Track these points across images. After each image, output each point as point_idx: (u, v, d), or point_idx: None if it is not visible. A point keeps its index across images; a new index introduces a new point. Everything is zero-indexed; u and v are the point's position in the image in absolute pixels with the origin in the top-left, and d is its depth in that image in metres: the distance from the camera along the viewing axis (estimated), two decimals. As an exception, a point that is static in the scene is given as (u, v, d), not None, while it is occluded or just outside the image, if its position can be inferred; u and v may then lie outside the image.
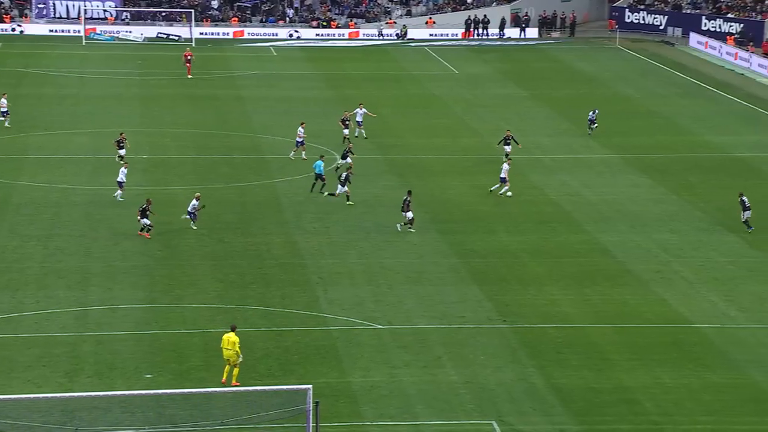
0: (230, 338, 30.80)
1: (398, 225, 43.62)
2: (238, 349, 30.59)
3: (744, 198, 44.52)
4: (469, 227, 45.57)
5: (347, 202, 47.63)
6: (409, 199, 44.12)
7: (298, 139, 54.74)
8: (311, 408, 26.14)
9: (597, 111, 61.60)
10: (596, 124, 61.03)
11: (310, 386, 26.50)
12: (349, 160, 51.47)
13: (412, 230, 42.98)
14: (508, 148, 54.28)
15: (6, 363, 32.51)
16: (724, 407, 30.44)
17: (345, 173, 48.25)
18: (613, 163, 56.10)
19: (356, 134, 58.89)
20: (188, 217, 44.27)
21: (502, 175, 49.36)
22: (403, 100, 71.11)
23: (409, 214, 43.70)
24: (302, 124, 55.53)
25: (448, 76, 79.44)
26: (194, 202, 44.21)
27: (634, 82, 77.00)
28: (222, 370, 31.23)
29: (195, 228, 43.88)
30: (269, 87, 74.90)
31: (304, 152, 54.28)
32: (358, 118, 59.65)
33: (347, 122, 57.99)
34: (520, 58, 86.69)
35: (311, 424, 26.18)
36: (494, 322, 36.10)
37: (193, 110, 66.97)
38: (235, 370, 30.71)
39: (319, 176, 49.30)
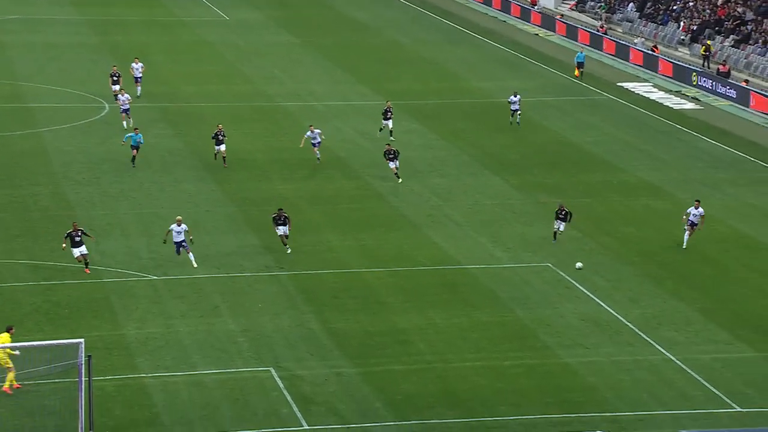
0: (1, 339, 27.68)
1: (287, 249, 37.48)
2: (9, 351, 27.27)
3: (564, 210, 38.60)
4: (244, 175, 45.35)
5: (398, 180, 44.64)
6: (281, 214, 37.43)
7: (123, 106, 50.00)
8: (83, 362, 25.54)
9: (519, 96, 53.30)
10: (520, 112, 52.94)
11: (81, 340, 25.86)
12: (222, 147, 45.60)
13: (288, 250, 37.51)
14: (389, 123, 49.71)
15: None
16: (491, 344, 31.70)
17: (394, 151, 44.76)
18: (386, 110, 56.89)
19: (138, 95, 54.70)
20: (184, 248, 35.77)
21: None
22: (174, 46, 69.65)
23: (285, 229, 37.37)
24: (122, 91, 51.22)
25: (219, 23, 78.31)
26: (174, 226, 35.77)
27: (404, 30, 78.14)
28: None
29: (196, 266, 35.51)
30: (32, 32, 71.74)
31: (131, 120, 49.99)
32: (137, 74, 55.32)
33: (116, 77, 53.95)
34: (291, 5, 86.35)
35: (83, 379, 25.59)
36: (272, 270, 36.18)
37: (-52, 56, 63.51)
38: (10, 375, 27.62)
39: (135, 148, 45.24)
